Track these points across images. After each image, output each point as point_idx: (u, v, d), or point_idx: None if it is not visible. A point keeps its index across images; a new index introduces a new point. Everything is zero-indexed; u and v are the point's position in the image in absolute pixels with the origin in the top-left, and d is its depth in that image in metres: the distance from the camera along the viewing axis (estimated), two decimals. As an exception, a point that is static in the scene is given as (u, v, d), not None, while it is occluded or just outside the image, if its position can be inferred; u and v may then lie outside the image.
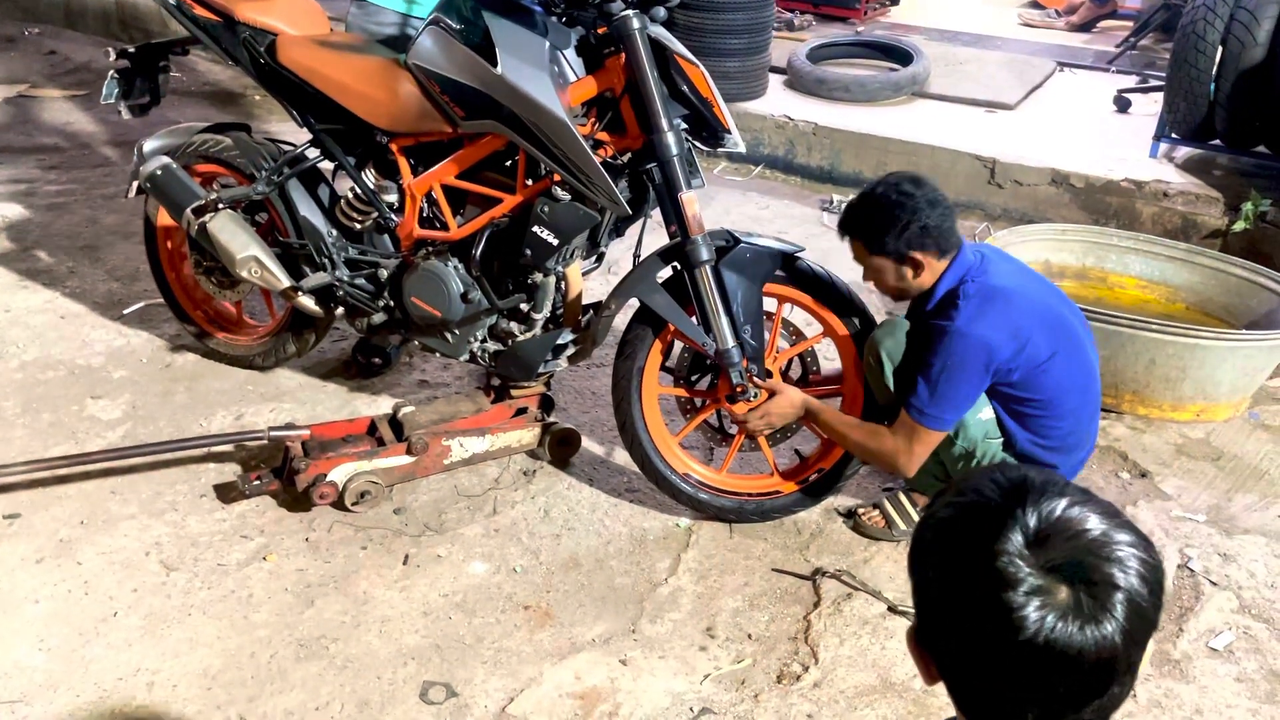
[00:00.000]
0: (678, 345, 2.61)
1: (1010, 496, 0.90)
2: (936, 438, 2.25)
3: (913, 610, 0.96)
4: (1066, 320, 2.32)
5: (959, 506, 0.92)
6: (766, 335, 2.47)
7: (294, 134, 2.97)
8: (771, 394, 2.44)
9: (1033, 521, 0.87)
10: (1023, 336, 2.19)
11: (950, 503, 0.93)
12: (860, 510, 2.62)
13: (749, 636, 2.28)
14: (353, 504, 2.55)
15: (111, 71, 2.93)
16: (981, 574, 0.86)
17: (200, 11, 2.76)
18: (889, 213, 2.22)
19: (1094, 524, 0.88)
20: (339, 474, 2.53)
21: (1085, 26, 6.67)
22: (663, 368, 2.60)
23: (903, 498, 2.58)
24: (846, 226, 2.33)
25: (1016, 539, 0.87)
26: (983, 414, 2.30)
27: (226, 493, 2.63)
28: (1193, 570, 2.49)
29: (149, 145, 2.92)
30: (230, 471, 2.71)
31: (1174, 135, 4.26)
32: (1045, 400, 2.27)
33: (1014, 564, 0.86)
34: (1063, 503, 0.88)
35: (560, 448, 2.79)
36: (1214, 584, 2.45)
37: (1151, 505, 2.72)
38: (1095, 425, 2.43)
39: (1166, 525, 2.65)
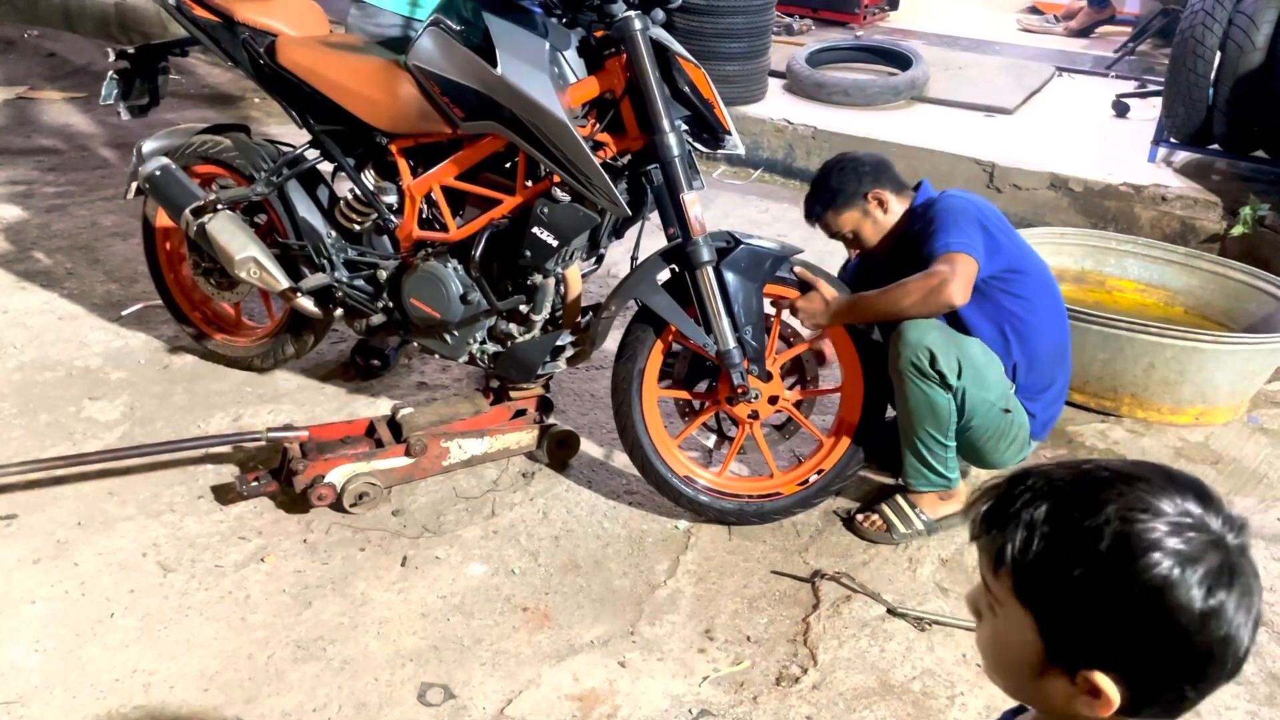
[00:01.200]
0: (676, 347, 2.60)
1: (1146, 499, 0.86)
2: (970, 262, 2.29)
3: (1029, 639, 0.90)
4: (1048, 270, 2.57)
5: (1108, 530, 0.86)
6: (766, 336, 2.47)
7: (293, 135, 2.97)
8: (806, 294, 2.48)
9: (1173, 512, 0.86)
10: (1005, 223, 2.45)
11: (1075, 525, 0.87)
12: (860, 515, 2.61)
13: (748, 639, 2.27)
14: (351, 505, 2.54)
15: (111, 73, 2.92)
16: (1151, 585, 0.84)
17: (200, 12, 2.75)
18: (836, 173, 2.55)
19: (1186, 501, 0.87)
20: (337, 475, 2.53)
21: (1083, 32, 6.69)
22: (662, 370, 2.60)
23: (901, 501, 2.57)
24: (809, 210, 2.61)
25: (1172, 542, 0.84)
26: (993, 371, 2.41)
27: (224, 494, 2.62)
28: (1192, 573, 2.49)
29: (148, 146, 2.92)
30: (228, 473, 2.71)
31: (1172, 140, 4.27)
32: (1030, 331, 2.44)
33: (1180, 554, 0.84)
34: (1169, 491, 0.88)
35: (559, 450, 2.78)
36: (1213, 587, 2.45)
37: (1151, 508, 2.72)
38: (1058, 409, 2.58)
39: (1166, 528, 2.64)
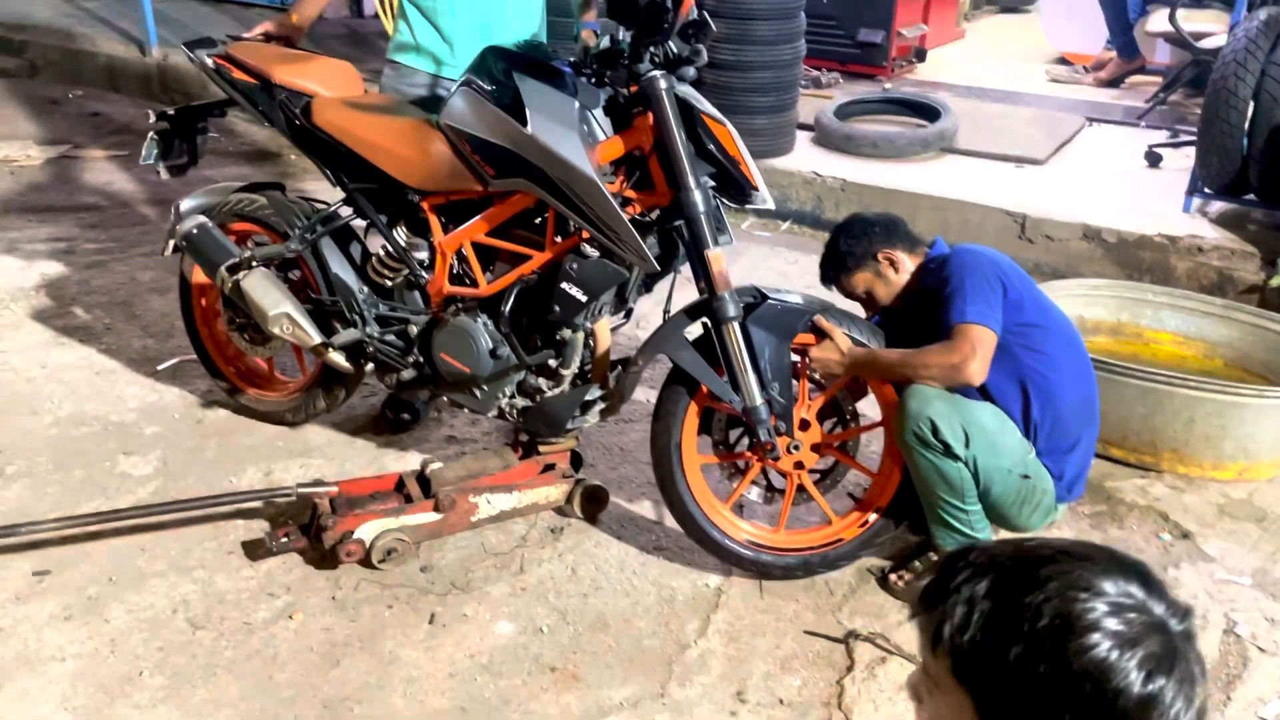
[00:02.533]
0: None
1: (1087, 578, 0.85)
2: (990, 336, 2.28)
3: None
4: (1071, 325, 2.52)
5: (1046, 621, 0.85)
6: (795, 388, 2.45)
7: (327, 193, 3.01)
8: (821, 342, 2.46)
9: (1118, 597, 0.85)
10: (1025, 277, 2.43)
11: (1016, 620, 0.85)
12: (893, 573, 2.56)
13: (780, 701, 2.22)
14: (379, 561, 2.53)
15: (151, 133, 2.99)
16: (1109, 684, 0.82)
17: (239, 75, 2.82)
18: (846, 236, 2.58)
19: (1129, 584, 0.86)
20: (366, 531, 2.52)
21: (1113, 82, 6.68)
22: (702, 426, 2.58)
23: (935, 559, 2.52)
24: (824, 274, 2.64)
25: (1112, 623, 0.83)
26: (1007, 438, 2.34)
27: (254, 550, 2.62)
28: (1239, 635, 2.42)
29: (186, 204, 2.97)
30: (258, 528, 2.71)
31: (1207, 190, 4.23)
32: (1053, 387, 2.37)
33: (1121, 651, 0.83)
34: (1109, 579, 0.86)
35: (588, 505, 2.76)
36: (1262, 650, 2.37)
37: (1195, 567, 2.65)
38: (1085, 467, 2.49)
39: (1211, 588, 2.57)
